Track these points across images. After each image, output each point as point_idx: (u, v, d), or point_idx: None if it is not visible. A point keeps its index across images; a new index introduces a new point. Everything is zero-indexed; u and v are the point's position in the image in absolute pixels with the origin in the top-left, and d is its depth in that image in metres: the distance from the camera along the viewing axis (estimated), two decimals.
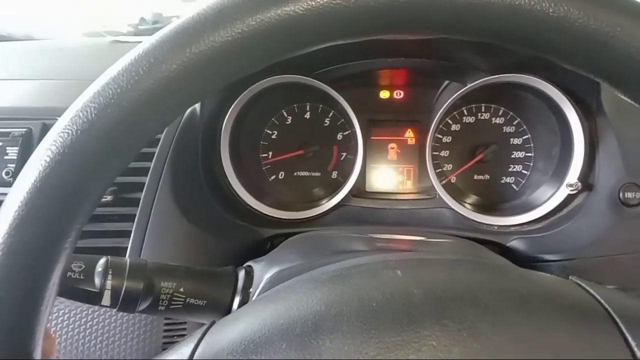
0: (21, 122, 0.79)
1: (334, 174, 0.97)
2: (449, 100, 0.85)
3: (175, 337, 0.75)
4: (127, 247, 0.75)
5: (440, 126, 0.94)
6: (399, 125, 0.95)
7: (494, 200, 0.93)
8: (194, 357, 0.40)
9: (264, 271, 0.63)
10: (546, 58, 0.34)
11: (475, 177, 0.94)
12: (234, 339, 0.40)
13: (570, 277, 0.46)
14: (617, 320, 0.37)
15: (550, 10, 0.32)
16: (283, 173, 0.97)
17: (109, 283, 0.56)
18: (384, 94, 0.95)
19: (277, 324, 0.40)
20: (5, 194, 0.71)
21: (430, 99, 0.93)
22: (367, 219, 0.89)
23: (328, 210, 0.89)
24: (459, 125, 0.94)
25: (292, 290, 0.46)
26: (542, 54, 0.34)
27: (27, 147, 0.78)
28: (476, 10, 0.33)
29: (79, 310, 0.73)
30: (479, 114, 0.94)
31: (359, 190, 0.92)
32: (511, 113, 0.92)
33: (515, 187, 0.93)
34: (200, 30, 0.32)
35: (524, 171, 0.93)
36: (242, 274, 0.65)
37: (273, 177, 0.97)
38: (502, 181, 0.94)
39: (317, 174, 0.97)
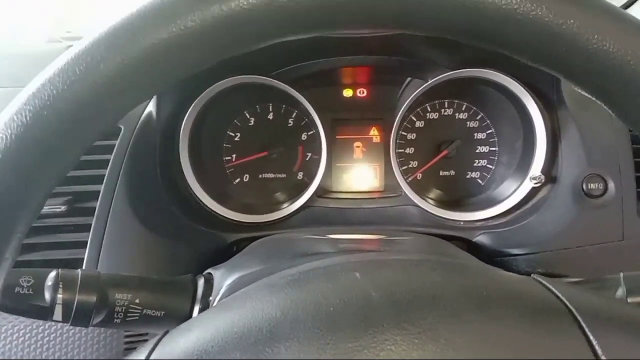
0: None
1: (300, 175, 0.95)
2: (411, 97, 0.84)
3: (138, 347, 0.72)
4: (83, 259, 0.73)
5: (404, 123, 0.93)
6: (364, 123, 0.94)
7: (460, 195, 0.92)
8: None
9: (223, 278, 0.62)
10: (500, 51, 0.33)
11: (441, 173, 0.94)
12: (186, 350, 0.38)
13: (532, 274, 0.46)
14: (579, 317, 0.36)
15: (503, 3, 0.31)
16: (247, 175, 0.95)
17: (59, 297, 0.54)
18: (347, 93, 0.94)
19: (231, 333, 0.38)
20: None
21: (394, 96, 0.93)
22: (333, 220, 0.88)
23: (293, 212, 0.87)
24: (422, 122, 0.94)
25: (247, 297, 0.45)
26: (496, 47, 0.33)
27: None
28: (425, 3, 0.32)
29: (29, 327, 0.70)
30: (443, 110, 0.93)
31: (325, 191, 0.91)
32: (474, 108, 0.92)
33: (480, 182, 0.93)
34: (140, 28, 0.30)
35: (489, 165, 0.93)
36: (201, 282, 0.63)
37: (237, 179, 0.95)
38: (468, 176, 0.94)
39: (283, 175, 0.95)
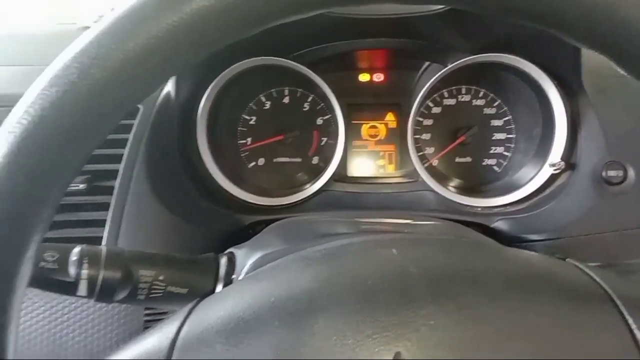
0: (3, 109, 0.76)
1: (315, 159, 0.95)
2: (430, 82, 0.83)
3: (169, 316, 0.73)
4: (102, 237, 0.72)
5: (421, 109, 0.92)
6: (380, 108, 0.94)
7: (477, 182, 0.92)
8: (180, 336, 0.38)
9: (246, 257, 0.61)
10: (552, 32, 0.32)
11: (457, 159, 0.93)
12: (222, 317, 0.38)
13: (567, 258, 0.46)
14: (617, 301, 0.36)
15: None
16: (263, 159, 0.95)
17: (84, 272, 0.54)
18: (364, 77, 0.94)
19: (267, 302, 0.38)
20: None
21: (411, 81, 0.92)
22: (350, 204, 0.88)
23: (310, 195, 0.87)
24: (440, 108, 0.93)
25: (281, 269, 0.45)
26: (549, 27, 0.32)
27: None
28: None
29: (54, 301, 0.70)
30: (460, 96, 0.93)
31: (341, 175, 0.91)
32: (492, 94, 0.92)
33: (497, 169, 0.93)
34: (146, 17, 0.29)
35: (505, 152, 0.92)
36: (223, 261, 0.63)
37: (252, 163, 0.94)
38: (484, 163, 0.93)
39: (298, 159, 0.95)
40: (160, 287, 0.57)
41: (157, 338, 0.39)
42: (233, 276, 0.61)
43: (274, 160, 0.95)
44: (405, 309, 0.34)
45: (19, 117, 0.29)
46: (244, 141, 0.94)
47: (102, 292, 0.55)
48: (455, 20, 0.76)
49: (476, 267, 0.40)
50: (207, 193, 0.83)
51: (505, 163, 0.92)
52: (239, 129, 0.94)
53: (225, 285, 0.61)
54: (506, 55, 0.80)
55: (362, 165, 0.94)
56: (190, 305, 0.44)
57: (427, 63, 0.89)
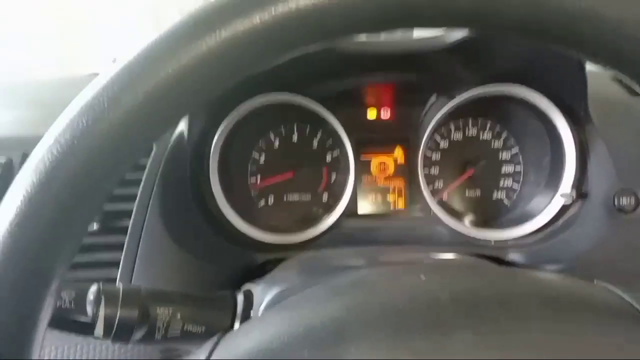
0: (2, 151, 0.76)
1: (325, 196, 0.95)
2: (437, 116, 0.84)
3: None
4: (115, 278, 0.72)
5: (429, 143, 0.93)
6: (388, 144, 0.95)
7: (488, 215, 0.92)
8: None
9: (264, 293, 0.61)
10: (574, 53, 0.32)
11: (467, 193, 0.94)
12: (249, 348, 0.38)
13: (595, 280, 0.45)
14: None
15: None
16: (272, 197, 0.95)
17: (101, 311, 0.53)
18: (372, 113, 0.95)
19: (296, 332, 0.38)
20: None
21: (418, 115, 0.93)
22: (362, 240, 0.87)
23: (321, 233, 0.87)
24: (447, 142, 0.94)
25: (308, 299, 0.44)
26: (572, 48, 0.32)
27: (7, 176, 0.75)
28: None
29: (60, 348, 0.69)
30: (467, 129, 0.94)
31: (352, 211, 0.91)
32: (498, 127, 0.93)
33: (507, 202, 0.93)
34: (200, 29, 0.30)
35: (514, 185, 0.93)
36: (240, 298, 0.62)
37: (262, 201, 0.94)
38: (494, 197, 0.93)
39: (308, 196, 0.95)
40: (178, 326, 0.57)
41: None
42: (251, 313, 0.60)
43: (284, 197, 0.95)
44: (439, 334, 0.34)
45: (35, 164, 0.29)
46: (253, 179, 0.94)
47: (119, 332, 0.54)
48: (463, 53, 0.78)
49: (506, 291, 0.40)
50: (220, 231, 0.83)
51: (514, 196, 0.93)
52: (249, 167, 0.94)
53: (243, 320, 0.60)
54: (513, 86, 0.81)
55: (372, 202, 0.94)
56: (215, 338, 0.43)
57: (434, 97, 0.91)
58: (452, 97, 0.86)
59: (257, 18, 0.29)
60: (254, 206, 0.94)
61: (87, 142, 0.29)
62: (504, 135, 0.93)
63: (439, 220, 0.86)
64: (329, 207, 0.92)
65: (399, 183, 0.94)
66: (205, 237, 0.79)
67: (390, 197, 0.94)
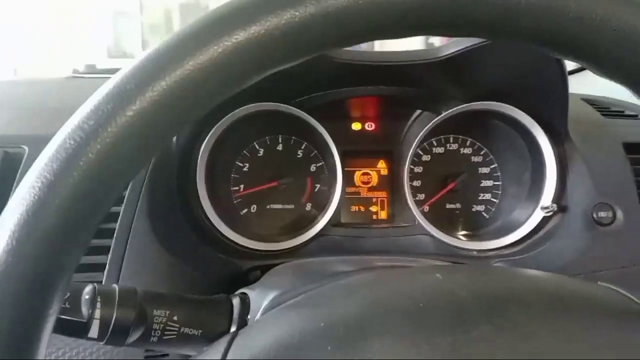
0: None
1: (308, 206, 0.95)
2: (425, 129, 0.86)
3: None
4: (101, 281, 0.69)
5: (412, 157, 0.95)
6: (372, 155, 0.96)
7: (468, 227, 0.94)
8: None
9: (260, 297, 0.60)
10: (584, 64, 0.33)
11: (447, 205, 0.96)
12: (268, 345, 0.37)
13: (598, 282, 0.47)
14: None
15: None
16: (255, 206, 0.94)
17: (97, 312, 0.51)
18: (356, 125, 0.96)
19: (316, 328, 0.37)
20: None
21: (401, 129, 0.95)
22: (347, 249, 0.88)
23: (307, 240, 0.86)
24: (429, 156, 0.96)
25: (322, 297, 0.44)
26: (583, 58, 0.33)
27: None
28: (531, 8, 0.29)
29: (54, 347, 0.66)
30: (448, 145, 0.96)
31: (337, 221, 0.91)
32: (478, 143, 0.96)
33: (485, 215, 0.95)
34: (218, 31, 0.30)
35: (493, 199, 0.95)
36: (236, 301, 0.61)
37: (245, 210, 0.94)
38: (473, 209, 0.96)
39: (291, 206, 0.95)
40: (174, 328, 0.55)
41: None
42: (248, 317, 0.59)
43: (267, 207, 0.94)
44: (461, 329, 0.34)
45: (35, 178, 0.29)
46: (236, 188, 0.94)
47: (114, 334, 0.52)
48: (452, 70, 0.80)
49: (519, 288, 0.41)
50: (207, 238, 0.81)
51: (493, 209, 0.95)
52: (232, 175, 0.94)
53: (239, 327, 0.59)
54: (498, 103, 0.84)
55: (357, 212, 0.95)
56: (229, 337, 0.42)
57: (418, 111, 0.93)
58: (436, 112, 0.88)
59: (287, 15, 0.29)
60: (237, 214, 0.93)
61: (114, 129, 0.29)
62: (483, 151, 0.96)
63: (423, 230, 0.87)
64: (313, 217, 0.92)
65: (381, 194, 0.96)
66: (191, 243, 0.78)
67: (373, 208, 0.96)
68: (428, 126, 0.86)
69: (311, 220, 0.91)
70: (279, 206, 0.95)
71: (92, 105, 0.30)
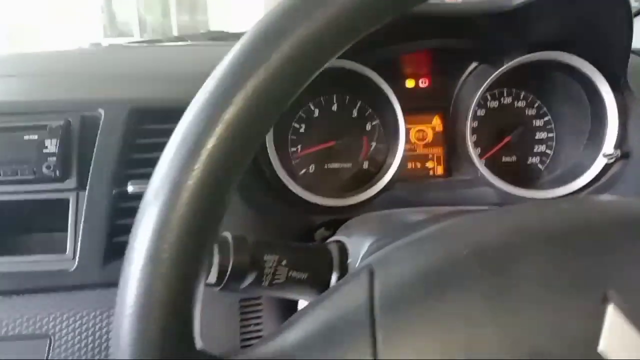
0: (57, 115, 0.74)
1: (365, 164, 0.96)
2: (488, 80, 0.86)
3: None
4: None
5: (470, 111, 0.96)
6: (426, 112, 0.97)
7: (525, 179, 0.95)
8: (375, 297, 0.37)
9: (357, 243, 0.61)
10: None
11: (503, 159, 0.97)
12: (411, 274, 0.38)
13: None
14: None
15: None
16: (313, 166, 0.95)
17: (215, 259, 0.53)
18: (410, 82, 0.97)
19: (459, 255, 0.38)
20: (46, 191, 0.70)
21: (455, 85, 0.96)
22: (411, 203, 0.89)
23: (373, 196, 0.87)
24: (484, 110, 0.97)
25: (450, 230, 0.44)
26: None
27: (67, 140, 0.73)
28: None
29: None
30: (502, 99, 0.97)
31: (398, 177, 0.92)
32: (532, 96, 0.96)
33: (540, 167, 0.96)
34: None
35: (547, 151, 0.96)
36: (334, 247, 0.62)
37: (303, 170, 0.95)
38: (529, 161, 0.97)
39: (348, 165, 0.96)
40: (283, 273, 0.57)
41: (346, 305, 0.38)
42: (348, 262, 0.60)
43: (325, 166, 0.95)
44: (609, 252, 0.35)
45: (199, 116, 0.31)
46: (294, 149, 0.95)
47: (231, 280, 0.54)
48: (518, 20, 0.80)
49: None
50: (279, 196, 0.83)
51: (548, 161, 0.96)
52: (290, 137, 0.94)
53: (341, 272, 0.60)
54: (560, 52, 0.85)
55: (413, 168, 0.96)
56: (364, 271, 0.43)
57: (474, 65, 0.93)
58: (495, 65, 0.88)
59: None
60: (297, 175, 0.94)
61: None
62: (537, 103, 0.96)
63: (486, 182, 0.88)
64: (371, 174, 0.93)
65: (438, 150, 0.97)
66: (267, 201, 0.80)
67: (430, 164, 0.97)
68: (491, 77, 0.86)
69: (369, 178, 0.92)
70: (337, 165, 0.96)
71: (248, 46, 0.32)
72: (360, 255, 0.60)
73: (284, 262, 0.57)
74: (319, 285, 0.59)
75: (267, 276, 0.56)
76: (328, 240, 0.66)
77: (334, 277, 0.60)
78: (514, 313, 0.33)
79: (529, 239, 0.38)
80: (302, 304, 0.71)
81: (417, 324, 0.35)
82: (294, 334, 0.38)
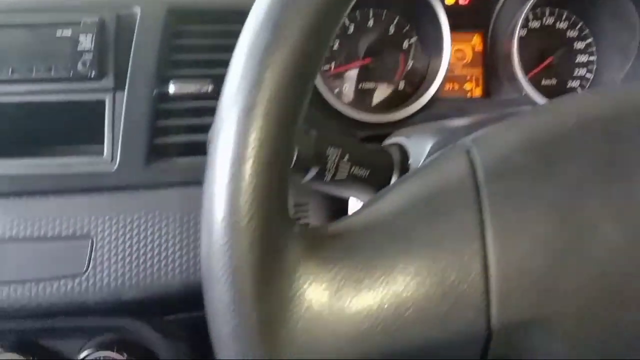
0: (91, 13, 0.69)
1: (402, 84, 0.93)
2: (530, 3, 0.83)
3: None
4: None
5: (509, 31, 0.92)
6: (467, 30, 0.93)
7: None
8: (477, 166, 0.35)
9: (418, 144, 0.59)
10: None
11: (543, 82, 0.94)
12: (514, 145, 0.36)
13: None
14: None
15: None
16: (347, 86, 0.92)
17: None
18: (449, 0, 0.93)
19: (563, 126, 0.36)
20: (82, 91, 0.66)
21: (496, 3, 0.92)
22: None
23: (414, 113, 0.84)
24: (525, 30, 0.93)
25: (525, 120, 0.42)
26: None
27: (102, 37, 0.68)
28: None
29: None
30: (544, 19, 0.93)
31: (438, 96, 0.89)
32: (574, 16, 0.93)
33: (580, 91, 0.94)
34: None
35: (587, 75, 0.94)
36: (395, 148, 0.60)
37: (337, 89, 0.91)
38: (568, 85, 0.94)
39: (384, 84, 0.92)
40: (346, 168, 0.55)
41: (448, 172, 0.36)
42: (410, 162, 0.58)
43: (359, 85, 0.92)
44: None
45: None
46: (327, 67, 0.91)
47: (295, 170, 0.52)
48: None
49: None
50: (325, 111, 0.80)
51: (587, 85, 0.94)
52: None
53: (402, 172, 0.58)
54: None
55: (451, 89, 0.93)
56: (460, 148, 0.40)
57: None
58: None
59: None
60: (332, 92, 0.90)
61: None
62: (580, 24, 0.93)
63: (529, 101, 0.85)
64: (408, 93, 0.90)
65: (476, 71, 0.94)
66: (315, 116, 0.77)
67: (468, 85, 0.94)
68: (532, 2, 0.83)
69: (405, 98, 0.89)
70: (372, 85, 0.92)
71: None
72: (423, 157, 0.57)
73: (346, 157, 0.54)
74: (379, 184, 0.57)
75: (329, 170, 0.53)
76: (385, 142, 0.64)
77: (394, 178, 0.58)
78: (623, 184, 0.32)
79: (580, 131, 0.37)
80: (351, 210, 0.69)
81: (525, 193, 0.33)
82: (390, 204, 0.36)
